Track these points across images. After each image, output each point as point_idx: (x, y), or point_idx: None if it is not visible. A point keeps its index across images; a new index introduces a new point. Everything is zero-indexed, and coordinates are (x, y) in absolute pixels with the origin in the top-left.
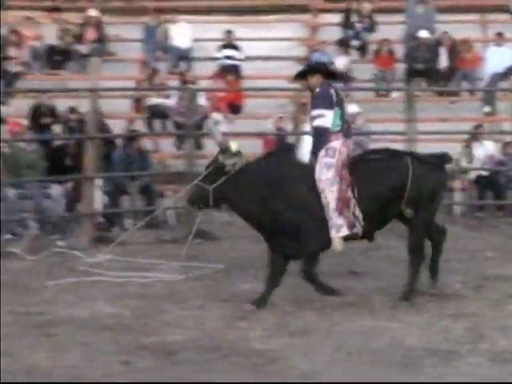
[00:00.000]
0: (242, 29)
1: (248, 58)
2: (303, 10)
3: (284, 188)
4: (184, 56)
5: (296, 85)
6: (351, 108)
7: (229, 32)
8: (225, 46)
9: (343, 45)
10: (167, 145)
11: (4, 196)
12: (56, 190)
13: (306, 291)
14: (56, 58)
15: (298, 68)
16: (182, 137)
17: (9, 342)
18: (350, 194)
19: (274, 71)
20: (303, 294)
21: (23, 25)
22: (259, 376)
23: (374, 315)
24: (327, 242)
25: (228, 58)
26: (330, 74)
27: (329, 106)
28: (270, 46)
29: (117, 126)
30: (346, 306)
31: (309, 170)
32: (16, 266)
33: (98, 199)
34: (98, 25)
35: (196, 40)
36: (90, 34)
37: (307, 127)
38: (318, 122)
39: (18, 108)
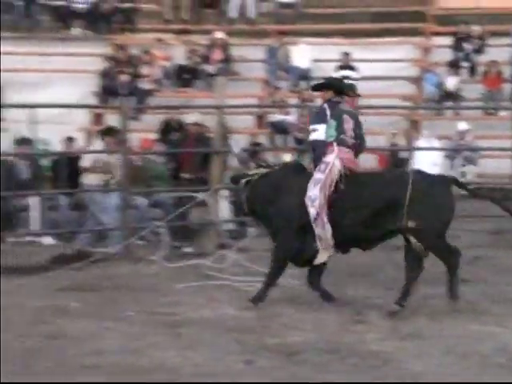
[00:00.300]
0: (358, 50)
1: (363, 78)
2: (416, 32)
3: (281, 196)
4: (304, 75)
5: (408, 103)
6: (461, 125)
7: (346, 54)
8: (342, 67)
9: (454, 66)
10: (288, 158)
11: (136, 205)
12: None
13: (417, 297)
14: (184, 76)
15: (410, 87)
16: (302, 151)
17: (141, 341)
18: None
19: (387, 90)
20: (414, 299)
21: (155, 46)
22: (375, 377)
23: (482, 320)
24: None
25: (345, 77)
26: (341, 90)
27: (320, 120)
28: (384, 66)
29: (241, 141)
30: (455, 312)
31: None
32: (147, 270)
33: (223, 209)
34: (224, 46)
35: (315, 61)
36: (217, 54)
37: (419, 143)
38: (311, 137)
39: (149, 123)
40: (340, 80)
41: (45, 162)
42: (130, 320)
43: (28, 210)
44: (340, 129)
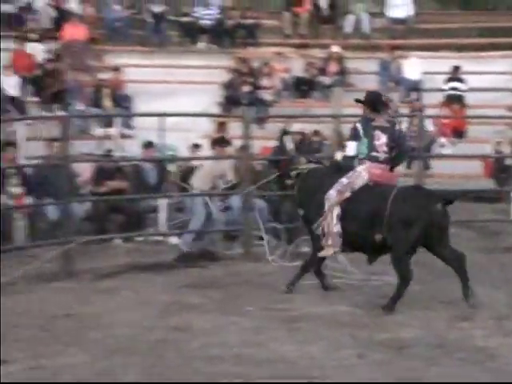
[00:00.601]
0: (466, 63)
1: (471, 90)
2: None
3: (319, 191)
4: (414, 87)
5: None
6: None
7: (456, 67)
8: (451, 79)
9: None
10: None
11: (257, 207)
12: None
13: None
14: (302, 87)
15: None
16: (412, 158)
17: (261, 335)
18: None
19: (493, 101)
20: None
21: (275, 59)
22: (480, 370)
23: None
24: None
25: (453, 89)
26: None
27: (353, 137)
28: (491, 78)
29: None
30: None
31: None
32: (266, 268)
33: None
34: (340, 59)
35: (425, 73)
36: (333, 67)
37: None
38: (345, 152)
39: (270, 132)
40: (377, 96)
41: (171, 167)
42: (251, 315)
43: (156, 211)
44: (371, 146)
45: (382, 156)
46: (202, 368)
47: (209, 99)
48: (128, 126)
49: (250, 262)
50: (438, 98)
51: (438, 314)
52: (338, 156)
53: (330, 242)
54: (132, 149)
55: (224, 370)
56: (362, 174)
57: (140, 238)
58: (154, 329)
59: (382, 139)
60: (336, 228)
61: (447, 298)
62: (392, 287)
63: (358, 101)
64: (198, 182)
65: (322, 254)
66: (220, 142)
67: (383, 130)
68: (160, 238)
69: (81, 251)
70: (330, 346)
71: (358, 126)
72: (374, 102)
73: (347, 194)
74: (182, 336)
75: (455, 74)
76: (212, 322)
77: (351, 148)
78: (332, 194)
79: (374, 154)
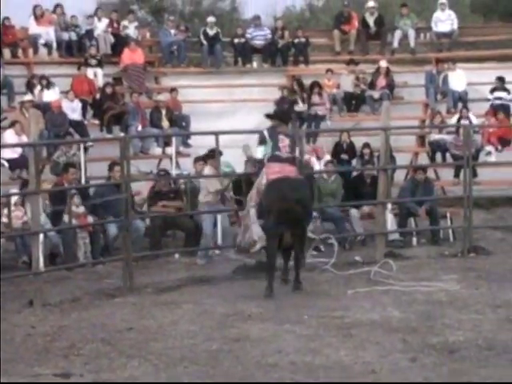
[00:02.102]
0: (510, 73)
1: None
2: None
3: None
4: (460, 98)
5: None
6: None
7: (500, 78)
8: (495, 89)
9: None
10: (447, 174)
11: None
12: (353, 213)
13: None
14: (352, 102)
15: None
16: (459, 167)
17: (316, 342)
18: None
19: None
20: None
21: (325, 76)
22: None
23: None
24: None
25: (498, 98)
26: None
27: (259, 143)
28: None
29: (404, 159)
30: None
31: None
32: (320, 277)
33: (389, 220)
34: (388, 73)
35: (470, 84)
36: (381, 81)
37: None
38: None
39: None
40: (282, 110)
41: (225, 182)
42: (306, 323)
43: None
44: (275, 147)
45: (284, 155)
46: (260, 376)
47: (263, 116)
48: (185, 144)
49: (305, 272)
50: (484, 107)
51: (487, 317)
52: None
53: (255, 238)
54: (189, 167)
55: (280, 377)
56: (263, 174)
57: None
58: (214, 339)
59: (285, 142)
60: (255, 226)
61: (496, 301)
62: (444, 292)
63: (268, 116)
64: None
65: (252, 250)
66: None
67: (286, 135)
68: (217, 252)
69: (141, 266)
70: (382, 350)
71: (265, 132)
72: (281, 116)
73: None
74: (240, 345)
75: (500, 84)
76: (268, 330)
77: (259, 152)
78: (253, 194)
79: (278, 153)
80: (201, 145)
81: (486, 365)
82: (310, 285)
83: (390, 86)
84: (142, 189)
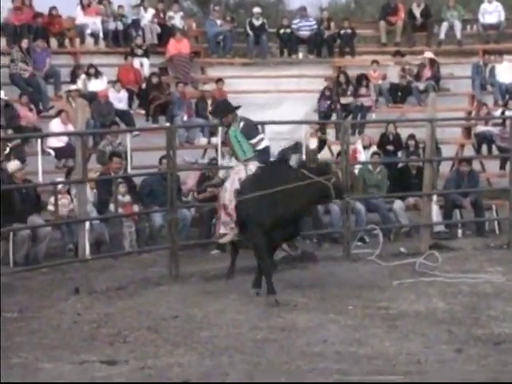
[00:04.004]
0: None
1: None
2: None
3: None
4: (507, 90)
5: None
6: None
7: None
8: None
9: None
10: (492, 165)
11: (355, 210)
12: (398, 204)
13: None
14: (398, 93)
15: None
16: (505, 159)
17: (360, 332)
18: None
19: None
20: None
21: (371, 67)
22: None
23: None
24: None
25: None
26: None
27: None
28: None
29: (449, 151)
30: None
31: None
32: (365, 268)
33: (434, 212)
34: (433, 64)
35: None
36: (426, 72)
37: None
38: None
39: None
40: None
41: None
42: (351, 313)
43: None
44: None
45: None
46: (304, 365)
47: (309, 107)
48: None
49: (350, 263)
50: None
51: None
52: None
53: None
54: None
55: (325, 366)
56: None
57: None
58: (259, 328)
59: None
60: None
61: None
62: (490, 283)
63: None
64: None
65: (221, 241)
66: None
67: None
68: None
69: (187, 255)
70: (427, 341)
71: None
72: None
73: None
74: (285, 335)
75: None
76: (313, 320)
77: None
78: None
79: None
80: None
81: None
82: (355, 276)
83: (436, 77)
84: (187, 178)
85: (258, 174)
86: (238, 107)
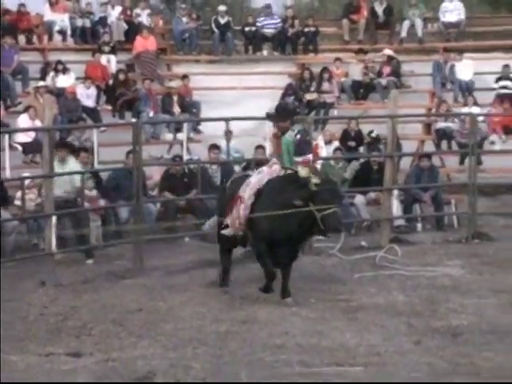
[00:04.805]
0: None
1: None
2: None
3: None
4: (466, 87)
5: None
6: None
7: (506, 66)
8: (501, 78)
9: None
10: (452, 161)
11: None
12: (360, 199)
13: None
14: (360, 90)
15: None
16: (465, 154)
17: (322, 325)
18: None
19: None
20: None
21: (334, 64)
22: None
23: None
24: None
25: (504, 87)
26: None
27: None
28: None
29: (410, 147)
30: None
31: None
32: (327, 262)
33: (395, 206)
34: (391, 62)
35: (477, 73)
36: (386, 69)
37: None
38: None
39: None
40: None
41: (236, 168)
42: (312, 306)
43: None
44: None
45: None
46: (266, 357)
47: (272, 104)
48: (196, 131)
49: (312, 256)
50: (490, 96)
51: (490, 301)
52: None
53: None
54: (199, 152)
55: (287, 358)
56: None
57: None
58: (222, 321)
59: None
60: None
61: (499, 286)
62: (448, 277)
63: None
64: None
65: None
66: None
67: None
68: None
69: (151, 249)
70: (387, 333)
71: None
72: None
73: None
74: (248, 327)
75: (505, 74)
76: (275, 313)
77: None
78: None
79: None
80: (211, 131)
81: (489, 348)
82: (317, 269)
83: (395, 73)
84: (153, 173)
85: (277, 183)
86: (296, 113)
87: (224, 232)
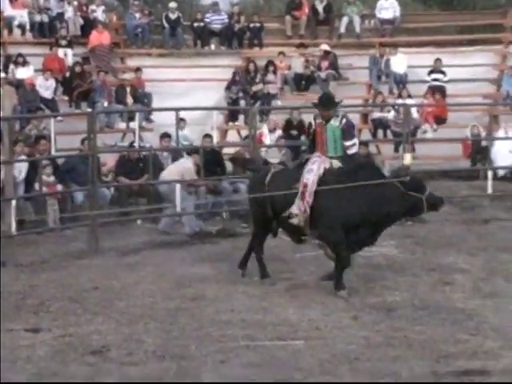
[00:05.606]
0: (447, 58)
1: (451, 81)
2: (496, 42)
3: None
4: (401, 79)
5: (488, 101)
6: None
7: (437, 60)
8: (433, 71)
9: None
10: (387, 149)
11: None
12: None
13: (495, 262)
14: (302, 82)
15: (490, 88)
16: (399, 142)
17: (266, 301)
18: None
19: (471, 90)
20: (493, 264)
21: (278, 58)
22: (459, 329)
23: None
24: None
25: (435, 80)
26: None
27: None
28: (469, 70)
29: None
30: None
31: None
32: (271, 242)
33: None
34: (328, 56)
35: (410, 67)
36: (324, 63)
37: (498, 133)
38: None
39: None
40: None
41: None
42: (257, 284)
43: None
44: None
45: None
46: (214, 332)
47: (219, 95)
48: (148, 120)
49: None
50: (422, 88)
51: (422, 279)
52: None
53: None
54: (151, 140)
55: (233, 333)
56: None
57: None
58: (172, 298)
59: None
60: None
61: (430, 265)
62: (383, 256)
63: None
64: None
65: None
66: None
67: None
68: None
69: (106, 231)
70: (326, 309)
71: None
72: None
73: None
74: (196, 304)
75: (437, 67)
76: (222, 291)
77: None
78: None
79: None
80: (162, 120)
81: (421, 323)
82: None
83: (333, 66)
84: (107, 160)
85: (344, 170)
86: (339, 102)
87: (292, 221)
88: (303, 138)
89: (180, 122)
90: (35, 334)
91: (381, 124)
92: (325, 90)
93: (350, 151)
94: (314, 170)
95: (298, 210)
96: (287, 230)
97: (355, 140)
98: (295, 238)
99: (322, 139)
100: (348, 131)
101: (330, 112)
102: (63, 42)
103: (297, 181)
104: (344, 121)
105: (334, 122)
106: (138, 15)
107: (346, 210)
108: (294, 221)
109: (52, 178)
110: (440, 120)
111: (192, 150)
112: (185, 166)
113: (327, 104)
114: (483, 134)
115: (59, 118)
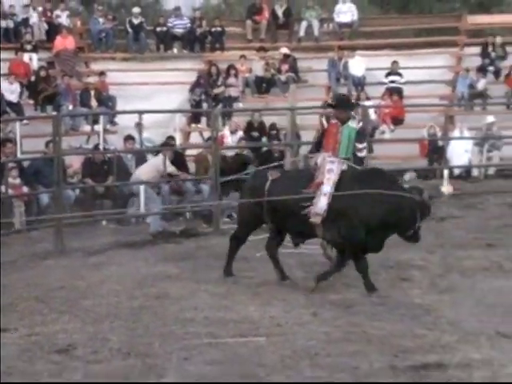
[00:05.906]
0: (404, 60)
1: (408, 82)
2: (451, 44)
3: None
4: (359, 82)
5: (444, 102)
6: (488, 119)
7: (394, 62)
8: (390, 73)
9: (481, 70)
10: None
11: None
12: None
13: (451, 259)
14: (263, 85)
15: (446, 89)
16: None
17: (228, 299)
18: None
19: (427, 92)
20: (449, 260)
21: (239, 61)
22: (418, 324)
23: (506, 277)
24: None
25: (393, 82)
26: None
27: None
28: (425, 72)
29: (308, 136)
30: (484, 270)
31: None
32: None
33: None
34: (287, 59)
35: (368, 69)
36: (284, 66)
37: (454, 134)
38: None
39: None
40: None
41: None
42: (219, 282)
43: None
44: None
45: None
46: (177, 329)
47: (182, 98)
48: (112, 123)
49: (219, 237)
50: (380, 90)
51: (381, 276)
52: None
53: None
54: (115, 143)
55: (196, 330)
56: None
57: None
58: (136, 297)
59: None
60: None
61: (389, 262)
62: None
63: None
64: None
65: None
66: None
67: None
68: (140, 219)
69: (71, 232)
70: (287, 306)
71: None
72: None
73: None
74: (160, 302)
75: (394, 69)
76: (185, 289)
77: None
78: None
79: None
80: (126, 123)
81: (379, 318)
82: (223, 248)
83: (293, 69)
84: (73, 162)
85: (360, 173)
86: (357, 104)
87: (313, 220)
88: (264, 139)
89: (138, 125)
90: (3, 334)
91: None
92: (340, 92)
93: (361, 154)
94: (334, 170)
95: (320, 210)
96: (293, 231)
97: (365, 144)
98: (300, 239)
99: (336, 140)
100: (362, 134)
101: (348, 113)
102: (28, 47)
103: (308, 182)
104: (360, 124)
105: (352, 124)
106: (102, 20)
107: (369, 212)
108: (316, 220)
109: (18, 181)
110: (397, 121)
111: (156, 152)
112: (158, 160)
113: (345, 105)
114: (439, 134)
115: (25, 121)
